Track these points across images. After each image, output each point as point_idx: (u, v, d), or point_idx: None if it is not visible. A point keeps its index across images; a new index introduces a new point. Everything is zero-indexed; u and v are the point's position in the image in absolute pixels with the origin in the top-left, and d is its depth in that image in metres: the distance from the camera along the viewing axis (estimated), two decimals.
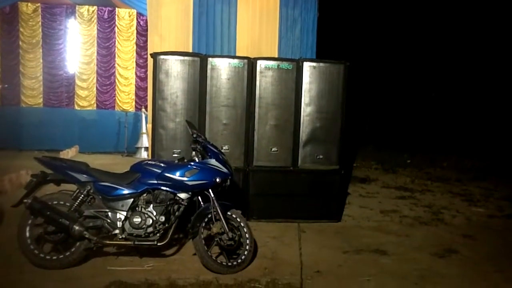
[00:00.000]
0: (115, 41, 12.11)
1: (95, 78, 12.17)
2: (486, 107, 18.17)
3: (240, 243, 4.35)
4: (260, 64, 6.02)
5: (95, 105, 12.24)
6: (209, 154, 4.44)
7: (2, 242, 4.61)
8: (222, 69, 5.93)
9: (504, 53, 17.70)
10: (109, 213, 4.23)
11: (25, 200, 4.03)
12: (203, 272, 4.21)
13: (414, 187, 9.28)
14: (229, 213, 4.39)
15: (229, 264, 4.28)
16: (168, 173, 4.27)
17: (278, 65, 6.05)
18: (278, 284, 4.04)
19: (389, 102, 19.87)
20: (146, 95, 10.70)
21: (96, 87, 12.20)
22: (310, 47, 8.03)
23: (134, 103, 12.27)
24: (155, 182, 4.27)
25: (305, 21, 7.99)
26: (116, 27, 12.07)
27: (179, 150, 5.75)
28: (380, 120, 19.37)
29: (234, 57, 6.45)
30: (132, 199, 4.26)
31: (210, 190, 4.29)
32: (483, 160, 13.38)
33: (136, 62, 12.17)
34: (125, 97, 12.28)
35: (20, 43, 11.77)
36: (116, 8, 11.96)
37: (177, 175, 4.25)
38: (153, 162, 4.47)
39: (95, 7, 11.94)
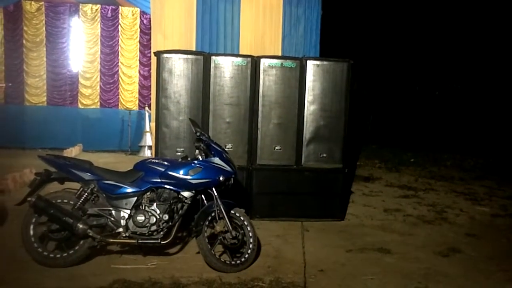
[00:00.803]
0: (118, 39, 12.11)
1: (98, 77, 12.17)
2: (490, 105, 18.11)
3: (244, 242, 4.35)
4: (264, 63, 6.01)
5: (98, 103, 12.24)
6: (213, 152, 4.44)
7: (6, 240, 4.62)
8: (226, 67, 5.93)
9: (507, 52, 17.62)
10: (113, 212, 4.24)
11: (29, 199, 4.04)
12: (207, 270, 4.21)
13: (417, 186, 9.26)
14: (232, 211, 4.39)
15: (233, 262, 4.29)
16: (172, 171, 4.27)
17: (282, 64, 6.05)
18: (282, 282, 4.04)
19: (392, 100, 19.83)
20: (150, 94, 10.71)
21: (100, 86, 12.20)
22: (313, 46, 8.02)
23: (137, 101, 12.26)
24: (159, 180, 4.27)
25: (309, 19, 7.97)
26: (119, 26, 12.07)
27: (183, 149, 5.75)
28: (384, 118, 19.33)
29: (238, 55, 6.46)
30: (135, 198, 4.27)
31: (213, 188, 4.30)
32: (487, 159, 13.36)
33: (139, 60, 12.16)
34: (128, 95, 12.28)
35: (24, 41, 11.78)
36: (120, 7, 11.96)
37: (180, 174, 4.25)
38: (157, 161, 4.47)
39: (98, 6, 11.93)
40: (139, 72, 12.20)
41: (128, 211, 4.25)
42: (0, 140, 10.57)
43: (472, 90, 18.89)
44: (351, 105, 6.25)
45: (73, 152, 10.65)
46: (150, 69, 11.06)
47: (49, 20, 11.84)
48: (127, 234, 4.21)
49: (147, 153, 11.08)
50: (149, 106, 10.93)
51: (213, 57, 5.95)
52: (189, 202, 4.33)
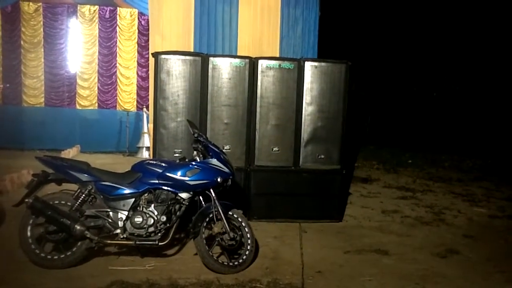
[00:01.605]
0: (116, 40, 12.11)
1: (96, 78, 12.17)
2: (488, 106, 18.15)
3: (242, 243, 4.35)
4: (262, 64, 6.01)
5: (96, 104, 12.24)
6: (211, 153, 4.43)
7: (4, 242, 4.61)
8: (224, 68, 5.93)
9: (505, 53, 17.67)
10: (111, 213, 4.23)
11: (26, 200, 4.03)
12: (205, 272, 4.21)
13: (415, 187, 9.27)
14: (230, 213, 4.39)
15: (231, 264, 4.28)
16: (170, 172, 4.27)
17: (280, 65, 6.05)
18: (279, 284, 4.03)
19: (390, 101, 19.86)
20: (148, 95, 10.68)
21: (98, 87, 12.20)
22: (311, 47, 8.02)
23: (135, 102, 12.27)
24: (157, 181, 4.27)
25: (307, 20, 7.98)
26: (117, 27, 12.08)
27: (180, 150, 5.75)
28: (382, 120, 19.36)
29: (236, 56, 6.45)
30: (133, 199, 4.26)
31: (211, 189, 4.29)
32: (485, 160, 13.38)
33: (137, 61, 12.17)
34: (126, 96, 12.28)
35: (22, 42, 11.78)
36: (118, 8, 11.97)
37: (178, 175, 4.25)
38: (155, 162, 4.46)
39: (96, 7, 11.94)
40: (137, 73, 12.20)
41: (126, 213, 4.24)
42: None
43: (470, 91, 18.93)
44: (349, 106, 6.25)
45: (71, 153, 10.64)
46: (148, 70, 11.01)
47: (47, 21, 11.84)
48: (124, 236, 4.20)
49: (145, 154, 11.08)
50: (147, 107, 10.92)
51: (211, 58, 5.95)
52: (187, 203, 4.33)
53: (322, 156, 6.17)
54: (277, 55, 7.71)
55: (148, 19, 9.39)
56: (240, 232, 4.36)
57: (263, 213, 6.07)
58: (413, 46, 19.26)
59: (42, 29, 11.84)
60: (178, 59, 5.82)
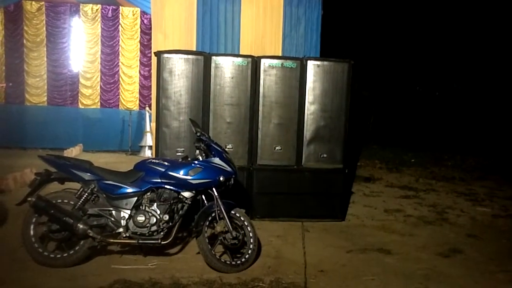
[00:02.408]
0: (119, 39, 12.11)
1: (99, 77, 12.17)
2: (490, 105, 18.11)
3: (244, 242, 4.35)
4: (264, 63, 6.01)
5: (99, 103, 12.25)
6: (213, 152, 4.43)
7: (7, 240, 4.62)
8: (226, 67, 5.93)
9: (507, 52, 17.62)
10: (113, 212, 4.24)
11: (29, 199, 4.03)
12: (207, 271, 4.21)
13: (418, 186, 9.25)
14: (232, 212, 4.38)
15: (233, 263, 4.28)
16: (172, 171, 4.26)
17: (282, 64, 6.04)
18: (282, 283, 4.03)
19: (393, 101, 19.83)
20: (150, 94, 10.72)
21: (100, 86, 12.20)
22: (314, 46, 8.01)
23: (138, 101, 12.27)
24: (159, 180, 4.27)
25: (309, 19, 7.97)
26: (120, 26, 12.07)
27: (183, 149, 5.75)
28: (385, 119, 19.33)
29: (238, 55, 6.45)
30: (136, 198, 4.26)
31: (214, 188, 4.29)
32: (488, 159, 13.34)
33: (140, 60, 12.17)
34: (129, 95, 12.29)
35: (25, 41, 11.79)
36: (120, 7, 11.97)
37: (181, 174, 4.25)
38: (157, 161, 4.46)
39: (99, 6, 11.94)
40: (140, 72, 12.20)
41: (129, 211, 4.24)
42: (0, 140, 10.57)
43: (473, 91, 18.89)
44: (352, 105, 6.24)
45: (74, 152, 10.65)
46: (150, 69, 11.06)
47: (49, 20, 11.85)
48: (127, 234, 4.20)
49: (148, 153, 11.08)
50: (150, 106, 10.93)
51: (214, 57, 5.94)
52: (190, 202, 4.33)
53: (325, 155, 6.16)
54: (280, 54, 7.70)
55: (150, 18, 9.40)
56: (243, 231, 4.36)
57: (266, 212, 6.07)
58: (415, 45, 19.22)
59: (44, 28, 11.84)
60: (181, 58, 5.81)
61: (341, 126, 6.19)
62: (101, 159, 9.13)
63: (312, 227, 5.90)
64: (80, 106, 12.17)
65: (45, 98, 12.00)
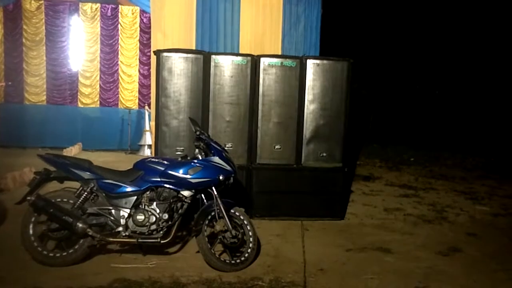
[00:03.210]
0: (118, 38, 12.09)
1: (98, 76, 12.15)
2: (490, 104, 18.11)
3: (243, 241, 4.35)
4: (264, 62, 6.00)
5: (98, 102, 12.23)
6: (212, 151, 4.43)
7: (6, 239, 4.62)
8: (225, 66, 5.92)
9: (508, 51, 17.61)
10: (113, 211, 4.24)
11: (28, 198, 4.03)
12: (206, 269, 4.21)
13: (418, 185, 9.25)
14: (232, 210, 4.38)
15: (232, 262, 4.28)
16: (171, 170, 4.26)
17: (282, 63, 6.04)
18: (281, 282, 4.03)
19: (393, 99, 19.83)
20: (149, 93, 10.69)
21: (100, 85, 12.19)
22: (313, 44, 8.01)
23: (137, 100, 12.25)
24: (159, 179, 4.26)
25: (309, 18, 7.97)
26: (119, 25, 12.05)
27: (182, 148, 5.74)
28: (384, 117, 19.33)
29: (238, 54, 6.45)
30: (135, 197, 4.26)
31: (213, 187, 4.29)
32: (488, 158, 13.35)
33: (139, 59, 12.15)
34: (128, 94, 12.27)
35: (24, 40, 11.76)
36: (119, 6, 11.95)
37: (180, 173, 4.25)
38: (156, 160, 4.45)
39: (98, 5, 11.92)
40: (139, 71, 12.19)
41: (128, 210, 4.24)
42: None
43: (473, 89, 18.89)
44: (351, 104, 6.24)
45: (73, 151, 10.64)
46: (150, 68, 11.04)
47: (48, 18, 11.83)
48: (126, 233, 4.20)
49: (147, 152, 11.08)
50: (149, 105, 10.92)
51: (213, 56, 5.94)
52: (189, 201, 4.32)
53: (324, 154, 6.16)
54: (279, 52, 7.70)
55: (150, 17, 9.39)
56: (242, 230, 4.35)
57: (265, 211, 6.07)
58: (415, 44, 19.21)
59: (44, 27, 11.82)
60: (180, 57, 5.81)
61: (341, 125, 6.18)
62: (100, 158, 9.12)
63: (311, 226, 5.90)
64: (80, 105, 12.15)
65: (45, 97, 11.98)
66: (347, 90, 6.16)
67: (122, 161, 9.17)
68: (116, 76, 12.19)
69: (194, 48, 7.42)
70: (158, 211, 4.26)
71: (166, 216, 4.24)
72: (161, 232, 4.25)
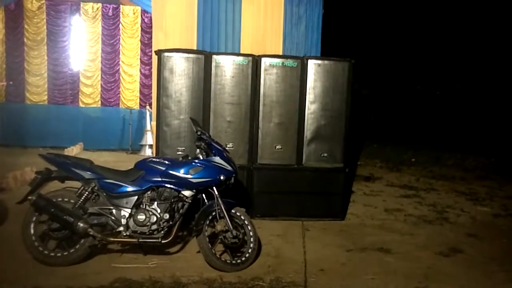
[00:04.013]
0: (119, 38, 12.10)
1: (99, 75, 12.16)
2: (491, 105, 18.09)
3: (244, 241, 4.35)
4: (265, 62, 6.01)
5: (99, 102, 12.23)
6: (213, 151, 4.43)
7: (7, 239, 4.62)
8: (227, 66, 5.92)
9: (508, 52, 17.59)
10: (114, 210, 4.24)
11: (29, 197, 4.04)
12: (207, 269, 4.21)
13: (418, 186, 9.25)
14: (233, 211, 4.39)
15: (233, 262, 4.28)
16: (172, 170, 4.27)
17: (283, 63, 6.04)
18: (282, 282, 4.03)
19: (394, 100, 19.81)
20: (151, 93, 10.69)
21: (101, 84, 12.19)
22: (315, 45, 8.00)
23: (138, 100, 12.25)
24: (159, 179, 4.27)
25: (310, 18, 7.96)
26: (120, 24, 12.06)
27: (183, 148, 5.75)
28: (385, 118, 19.31)
29: (239, 54, 6.44)
30: (136, 197, 4.27)
31: (214, 187, 4.29)
32: (488, 159, 13.34)
33: (140, 59, 12.14)
34: (129, 94, 12.27)
35: (25, 40, 11.77)
36: (121, 5, 11.95)
37: (181, 173, 4.25)
38: (157, 160, 4.46)
39: (99, 4, 11.92)
40: (140, 71, 12.19)
41: (129, 210, 4.24)
42: (1, 138, 10.57)
43: (474, 90, 18.87)
44: (352, 105, 6.24)
45: (74, 150, 10.64)
46: (151, 68, 11.04)
47: (50, 18, 11.83)
48: (127, 233, 4.21)
49: (148, 152, 11.08)
50: (150, 105, 10.91)
51: (214, 56, 5.94)
52: (190, 201, 4.33)
53: (325, 154, 6.16)
54: (280, 53, 7.70)
55: (151, 17, 9.39)
56: (243, 230, 4.36)
57: (266, 211, 6.07)
58: (416, 44, 19.19)
59: (45, 27, 11.82)
60: (181, 57, 5.82)
61: (342, 125, 6.18)
62: (101, 158, 9.13)
63: (312, 226, 5.90)
64: (81, 104, 12.16)
65: (46, 97, 11.98)
66: (348, 90, 6.16)
67: (123, 161, 9.18)
68: (117, 76, 12.20)
69: (195, 48, 7.42)
70: (159, 211, 4.26)
71: (167, 216, 4.24)
72: (162, 232, 4.26)
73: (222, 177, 4.28)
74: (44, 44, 11.85)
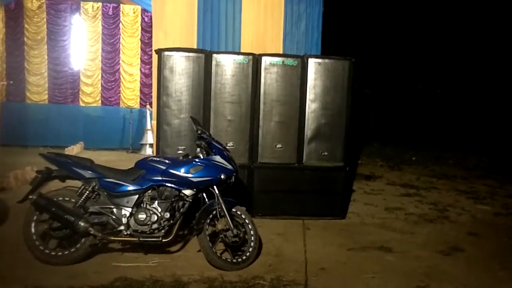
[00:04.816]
0: (119, 37, 12.10)
1: (100, 75, 12.16)
2: (492, 104, 18.08)
3: (245, 240, 4.35)
4: (265, 61, 6.00)
5: (100, 101, 12.24)
6: (214, 150, 4.43)
7: (8, 238, 4.63)
8: (227, 65, 5.92)
9: (510, 50, 17.57)
10: (114, 210, 4.24)
11: (30, 196, 4.04)
12: (208, 268, 4.21)
13: (419, 185, 9.24)
14: (233, 209, 4.39)
15: (234, 260, 4.28)
16: (173, 169, 4.27)
17: (283, 62, 6.03)
18: (283, 281, 4.03)
19: (394, 99, 19.80)
20: (151, 92, 10.69)
21: (101, 84, 12.19)
22: (315, 43, 7.99)
23: (138, 99, 12.26)
24: (160, 178, 4.27)
25: (310, 16, 7.95)
26: (120, 24, 12.06)
27: (184, 147, 5.74)
28: (386, 117, 19.31)
29: (239, 53, 6.43)
30: (137, 196, 4.27)
31: (214, 186, 4.29)
32: (489, 158, 13.33)
33: (140, 58, 12.15)
34: (130, 93, 12.28)
35: (25, 39, 11.77)
36: (121, 5, 11.95)
37: (181, 172, 4.25)
38: (158, 159, 4.46)
39: (99, 4, 11.93)
40: (141, 70, 12.19)
41: (130, 209, 4.25)
42: (1, 138, 10.56)
43: (474, 89, 18.86)
44: (353, 103, 6.23)
45: (75, 150, 10.65)
46: (151, 67, 11.03)
47: (50, 18, 11.84)
48: (128, 232, 4.21)
49: (148, 151, 11.08)
50: (151, 104, 10.91)
51: (215, 55, 5.94)
52: (190, 200, 4.33)
53: (326, 153, 6.15)
54: (281, 51, 7.69)
55: (151, 16, 9.38)
56: (244, 229, 4.36)
57: (267, 210, 6.07)
58: (417, 43, 19.18)
59: (45, 26, 11.82)
60: (182, 56, 5.81)
61: (342, 124, 6.18)
62: (102, 157, 9.13)
63: (312, 225, 5.90)
64: (81, 104, 12.17)
65: (46, 96, 12.00)
66: (348, 89, 6.16)
67: (123, 160, 9.17)
68: (118, 75, 12.20)
69: (195, 47, 7.42)
70: (159, 210, 4.27)
71: (167, 215, 4.24)
72: (163, 231, 4.26)
73: (222, 176, 4.28)
74: (44, 44, 11.86)
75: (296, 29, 7.92)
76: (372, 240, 5.40)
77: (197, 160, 4.38)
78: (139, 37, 12.11)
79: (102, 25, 12.03)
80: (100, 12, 11.98)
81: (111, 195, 4.25)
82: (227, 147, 4.85)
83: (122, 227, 4.21)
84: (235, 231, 4.25)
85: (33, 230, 4.12)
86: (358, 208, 7.02)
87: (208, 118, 5.93)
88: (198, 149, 4.50)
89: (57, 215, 4.04)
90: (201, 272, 4.11)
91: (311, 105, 6.10)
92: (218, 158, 4.38)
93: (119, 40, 12.11)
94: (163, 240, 4.23)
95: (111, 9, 12.01)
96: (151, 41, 9.26)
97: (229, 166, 4.38)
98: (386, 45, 19.17)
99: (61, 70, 12.02)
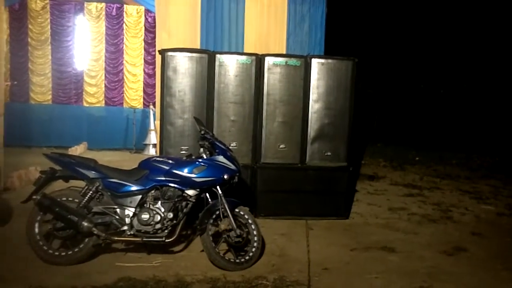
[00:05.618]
0: (123, 38, 12.13)
1: (103, 75, 12.20)
2: (495, 104, 18.02)
3: (248, 240, 4.36)
4: (268, 61, 6.00)
5: (103, 101, 12.28)
6: (217, 150, 4.44)
7: (12, 238, 4.65)
8: (230, 65, 5.93)
9: None
10: (118, 210, 4.25)
11: (34, 197, 4.06)
12: (211, 268, 4.22)
13: (422, 185, 9.23)
14: (237, 210, 4.39)
15: (237, 261, 4.29)
16: (176, 169, 4.27)
17: (286, 62, 6.04)
18: (286, 281, 4.04)
19: (397, 99, 19.76)
20: (154, 92, 10.68)
21: (105, 84, 12.23)
22: (318, 44, 7.97)
23: (142, 100, 12.29)
24: (163, 178, 4.28)
25: (314, 17, 7.93)
26: (124, 24, 12.09)
27: (187, 147, 5.75)
28: (389, 117, 19.27)
29: (242, 53, 6.44)
30: (140, 196, 4.28)
31: (218, 187, 4.30)
32: (493, 158, 13.29)
33: (144, 59, 12.18)
34: (133, 94, 12.31)
35: (29, 40, 11.81)
36: (124, 5, 11.98)
37: (185, 172, 4.26)
38: (161, 159, 4.47)
39: (103, 4, 11.96)
40: (144, 70, 12.22)
41: (133, 209, 4.26)
42: (5, 138, 10.58)
43: (478, 89, 18.80)
44: (356, 103, 6.23)
45: (78, 150, 10.68)
46: (154, 67, 11.01)
47: (54, 18, 11.88)
48: (131, 232, 4.22)
49: (152, 152, 11.11)
50: (154, 104, 10.93)
51: (218, 55, 5.94)
52: (194, 200, 4.34)
53: (329, 153, 6.15)
54: (284, 52, 7.67)
55: (154, 16, 9.40)
56: (247, 229, 4.36)
57: (270, 210, 6.07)
58: (420, 43, 19.14)
59: (49, 27, 11.87)
60: (185, 56, 5.82)
61: (345, 124, 6.17)
62: (105, 157, 9.15)
63: (316, 225, 5.90)
64: (85, 104, 12.21)
65: (50, 97, 12.04)
66: (351, 89, 6.15)
67: (127, 160, 9.19)
68: (121, 75, 12.24)
69: (198, 47, 7.41)
70: (163, 210, 4.27)
71: (170, 215, 4.25)
72: (166, 231, 4.27)
73: (225, 176, 4.28)
74: (48, 44, 11.90)
75: (300, 30, 7.91)
76: (375, 240, 5.39)
77: (200, 160, 4.38)
78: (143, 37, 12.14)
79: (105, 25, 12.07)
80: (103, 13, 12.02)
81: (114, 195, 4.27)
82: (230, 147, 4.86)
83: (125, 227, 4.22)
84: (238, 231, 4.25)
85: (36, 230, 4.14)
86: (361, 208, 7.02)
87: (211, 118, 5.93)
88: (201, 149, 4.51)
89: (60, 215, 4.06)
90: (204, 272, 4.12)
91: (314, 105, 6.10)
92: (221, 158, 4.39)
93: (123, 40, 12.14)
94: (166, 240, 4.24)
95: (114, 9, 12.05)
96: (155, 42, 9.27)
97: (232, 166, 4.39)
98: (390, 45, 19.14)
99: (64, 70, 12.06)
